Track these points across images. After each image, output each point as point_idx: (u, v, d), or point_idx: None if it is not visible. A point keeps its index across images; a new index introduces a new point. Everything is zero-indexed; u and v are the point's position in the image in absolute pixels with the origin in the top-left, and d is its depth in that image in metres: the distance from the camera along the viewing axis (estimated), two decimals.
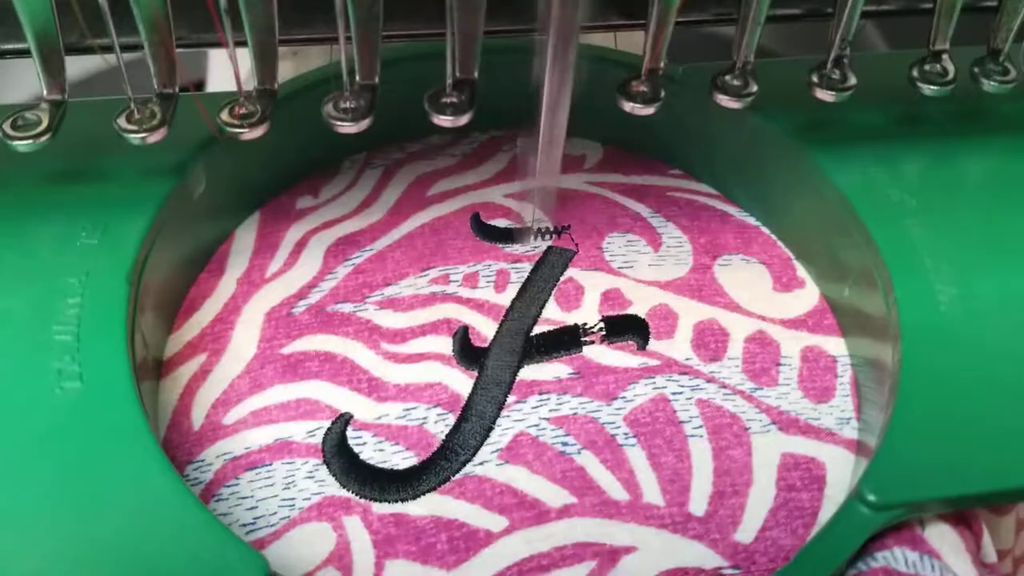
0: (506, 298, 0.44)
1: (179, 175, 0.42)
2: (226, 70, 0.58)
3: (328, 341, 0.42)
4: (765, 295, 0.45)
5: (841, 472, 0.39)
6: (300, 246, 0.46)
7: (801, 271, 0.46)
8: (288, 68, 0.52)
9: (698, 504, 0.38)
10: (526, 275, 0.45)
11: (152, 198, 0.41)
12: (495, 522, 0.37)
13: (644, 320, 0.44)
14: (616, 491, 0.38)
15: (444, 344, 0.43)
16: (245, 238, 0.46)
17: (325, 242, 0.46)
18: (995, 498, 0.36)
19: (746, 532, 0.37)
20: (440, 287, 0.45)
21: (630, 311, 0.44)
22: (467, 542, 0.37)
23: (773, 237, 0.47)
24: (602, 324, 0.44)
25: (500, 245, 0.47)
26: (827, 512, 0.38)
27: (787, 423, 0.40)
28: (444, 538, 0.37)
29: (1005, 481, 0.35)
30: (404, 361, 0.42)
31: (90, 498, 0.33)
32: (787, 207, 0.47)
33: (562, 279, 0.45)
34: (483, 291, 0.45)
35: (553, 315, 0.44)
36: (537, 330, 0.43)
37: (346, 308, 0.44)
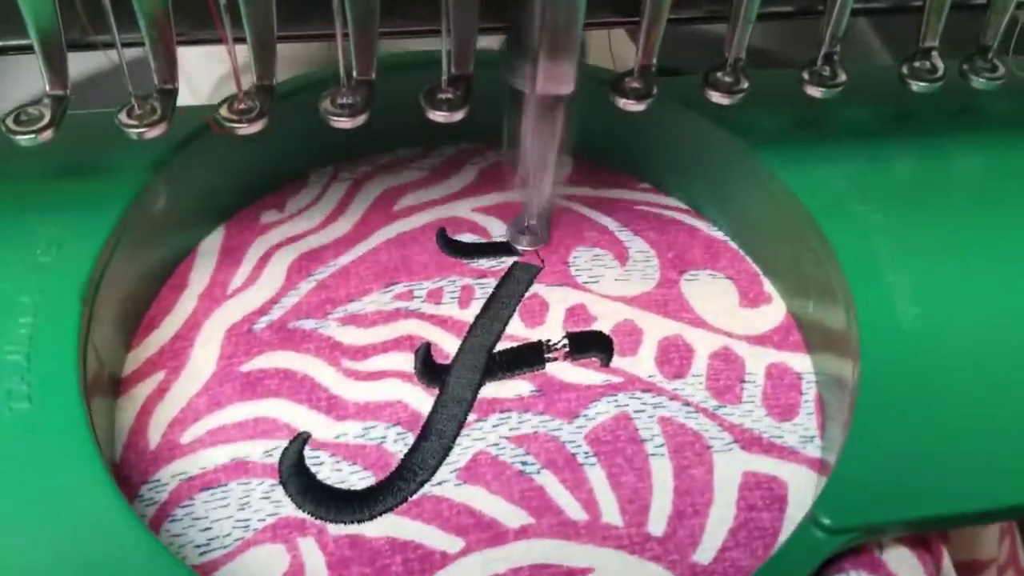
0: (470, 314, 0.44)
1: (137, 190, 0.41)
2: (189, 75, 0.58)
3: (289, 358, 0.42)
4: (731, 310, 0.45)
5: (803, 492, 0.39)
6: (263, 261, 0.46)
7: (768, 287, 0.46)
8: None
9: (657, 524, 0.37)
10: (491, 290, 0.45)
11: (109, 214, 0.41)
12: (451, 543, 0.37)
13: (608, 336, 0.43)
14: (575, 511, 0.38)
15: (406, 361, 0.42)
16: (208, 252, 0.46)
17: (289, 257, 0.46)
18: (953, 522, 0.35)
19: (705, 553, 0.37)
20: (404, 303, 0.44)
21: (595, 327, 0.44)
22: (422, 564, 0.36)
23: (741, 252, 0.47)
24: (566, 340, 0.43)
25: (465, 260, 0.46)
26: (788, 532, 0.37)
27: (750, 441, 0.40)
28: (399, 560, 0.36)
29: (964, 504, 0.34)
30: (365, 379, 0.42)
31: (35, 519, 0.33)
32: (755, 222, 0.46)
33: (527, 294, 0.45)
34: (447, 307, 0.44)
35: (517, 331, 0.44)
36: (500, 347, 0.43)
37: (308, 324, 0.43)
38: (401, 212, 0.48)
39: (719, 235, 0.48)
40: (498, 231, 0.47)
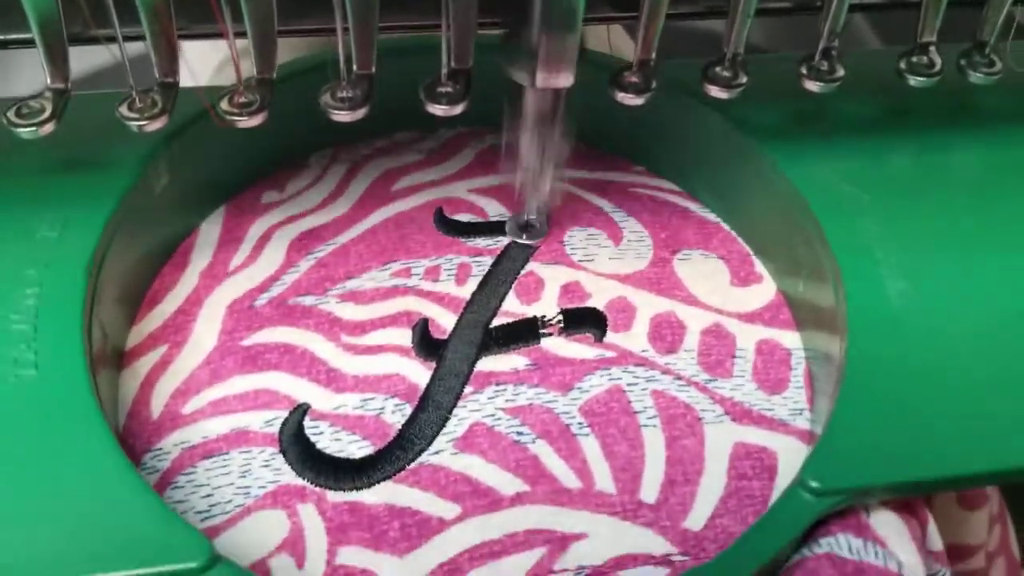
0: (467, 291, 0.45)
1: (140, 170, 0.42)
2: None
3: (289, 333, 0.43)
4: (723, 289, 0.46)
5: (792, 461, 0.39)
6: (264, 240, 0.46)
7: (759, 267, 0.47)
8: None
9: (649, 492, 0.38)
10: (487, 268, 0.46)
11: (112, 192, 0.41)
12: (448, 509, 0.38)
13: (602, 312, 0.44)
14: (569, 479, 0.39)
15: (404, 336, 0.43)
16: (210, 232, 0.47)
17: (289, 236, 0.47)
18: (937, 486, 0.36)
19: (696, 519, 0.38)
20: (402, 280, 0.45)
21: (589, 304, 0.45)
22: (420, 529, 0.37)
23: (733, 233, 0.48)
24: (560, 316, 0.44)
25: (462, 239, 0.47)
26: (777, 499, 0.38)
27: (740, 414, 0.41)
28: (397, 525, 0.37)
29: (946, 469, 0.35)
30: (363, 353, 0.42)
31: (41, 482, 0.34)
32: (747, 204, 0.47)
33: (523, 272, 0.46)
34: (444, 284, 0.45)
35: (513, 308, 0.44)
36: (496, 322, 0.44)
37: (307, 301, 0.44)
38: (399, 193, 0.49)
39: (711, 217, 0.49)
40: (494, 211, 0.48)
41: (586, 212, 0.48)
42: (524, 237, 0.47)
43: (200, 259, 0.46)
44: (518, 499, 0.38)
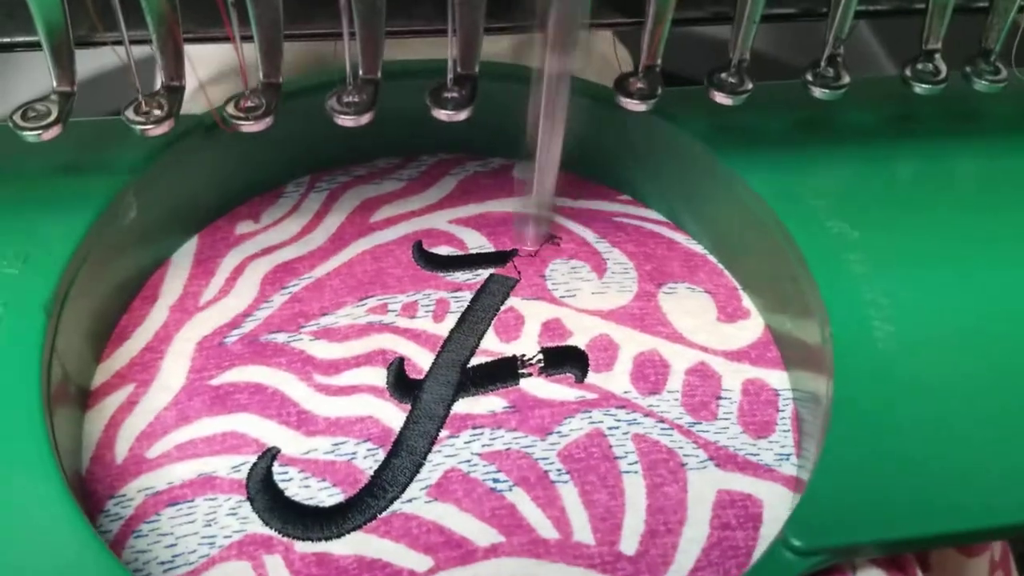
0: (445, 328, 0.44)
1: (106, 202, 0.41)
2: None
3: (259, 372, 0.42)
4: (709, 325, 0.44)
5: (778, 510, 0.38)
6: (237, 273, 0.45)
7: (747, 301, 0.45)
8: (231, 88, 0.51)
9: (629, 543, 0.37)
10: (466, 304, 0.44)
11: (77, 226, 0.40)
12: (420, 562, 0.36)
13: (583, 351, 0.43)
14: (546, 530, 0.37)
15: (378, 376, 0.42)
16: (181, 264, 0.46)
17: (262, 269, 0.45)
18: (926, 543, 0.35)
19: (677, 572, 0.36)
20: (377, 316, 0.44)
21: (570, 341, 0.43)
22: None
23: (720, 266, 0.47)
24: (541, 355, 0.43)
25: (441, 274, 0.46)
26: (762, 551, 0.37)
27: (725, 459, 0.39)
28: None
29: (937, 526, 0.34)
30: (336, 393, 0.41)
31: None
32: (734, 236, 0.46)
33: (503, 308, 0.44)
34: (421, 321, 0.44)
35: (492, 346, 0.43)
36: (474, 361, 0.42)
37: (280, 338, 0.43)
38: (377, 224, 0.48)
39: (698, 248, 0.47)
40: (474, 243, 0.47)
41: (569, 242, 0.47)
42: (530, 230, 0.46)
43: (170, 293, 0.44)
44: (492, 551, 0.37)
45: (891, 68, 0.83)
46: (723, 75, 0.42)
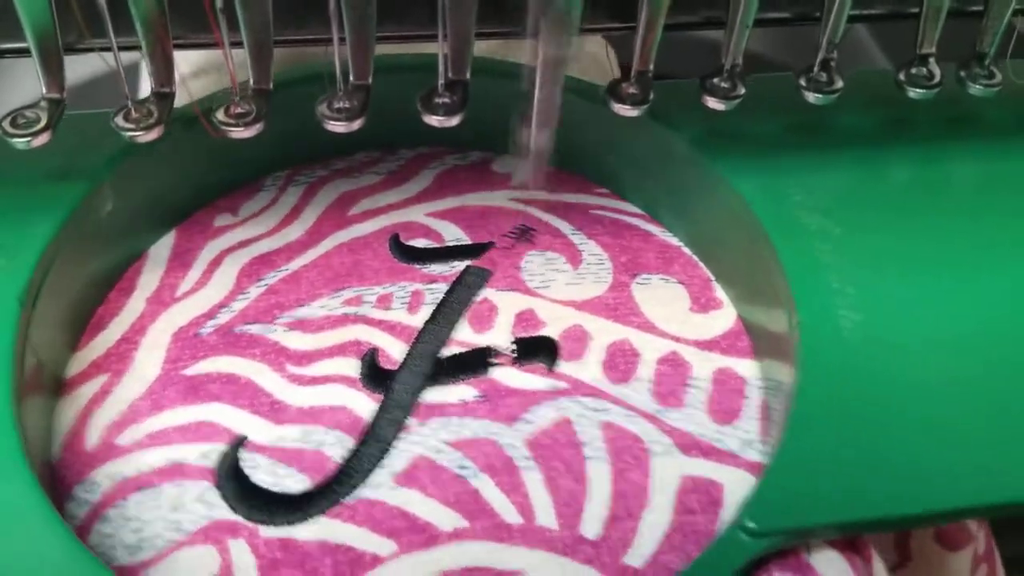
0: (419, 319, 0.44)
1: (83, 194, 0.41)
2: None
3: (233, 363, 0.42)
4: (682, 315, 0.45)
5: (740, 495, 0.38)
6: (214, 265, 0.46)
7: (720, 292, 0.45)
8: (212, 81, 0.51)
9: (591, 527, 0.37)
10: (441, 296, 0.45)
11: (53, 217, 0.41)
12: (383, 546, 0.37)
13: (555, 341, 0.43)
14: (509, 514, 0.38)
15: (351, 366, 0.42)
16: (159, 256, 0.46)
17: (239, 261, 0.46)
18: (881, 526, 0.35)
19: (638, 556, 0.37)
20: (353, 308, 0.44)
21: (544, 332, 0.44)
22: (352, 567, 0.36)
23: (695, 258, 0.47)
24: (513, 346, 0.43)
25: (418, 266, 0.46)
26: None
27: (689, 445, 0.40)
28: (329, 563, 0.36)
29: (891, 509, 0.34)
30: (308, 383, 0.42)
31: None
32: (709, 228, 0.46)
33: (477, 299, 0.45)
34: (396, 312, 0.44)
35: (465, 336, 0.43)
36: (447, 352, 0.43)
37: (254, 329, 0.43)
38: (355, 217, 0.48)
39: (673, 241, 0.48)
40: (451, 236, 0.47)
41: (545, 234, 0.48)
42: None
43: (147, 284, 0.45)
44: (456, 535, 0.37)
45: (887, 65, 0.83)
46: (716, 80, 0.42)
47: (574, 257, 0.47)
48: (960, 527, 0.45)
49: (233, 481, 0.38)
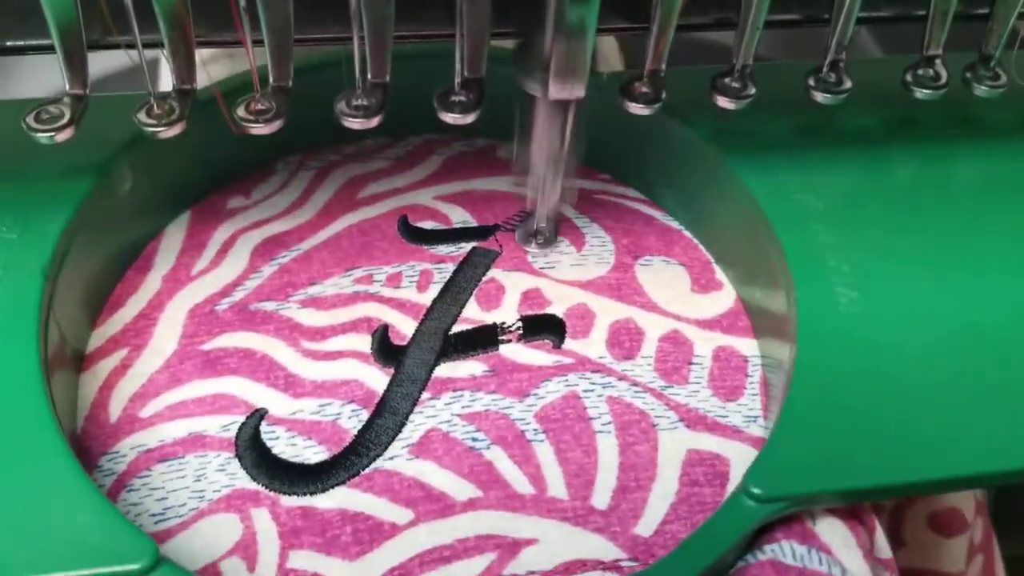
0: (428, 298, 0.45)
1: (101, 174, 0.43)
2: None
3: (249, 338, 0.43)
4: (683, 296, 0.46)
5: (744, 468, 0.40)
6: (228, 245, 0.47)
7: (720, 274, 0.47)
8: (224, 68, 0.52)
9: (601, 498, 0.39)
10: (449, 275, 0.46)
11: (73, 195, 0.42)
12: (401, 515, 0.38)
13: (561, 319, 0.44)
14: (522, 485, 0.39)
15: (363, 342, 0.43)
16: (174, 236, 0.47)
17: (252, 241, 0.47)
18: (880, 494, 0.36)
19: (646, 526, 0.38)
20: (363, 287, 0.45)
21: (549, 310, 0.45)
22: (371, 534, 0.37)
23: (695, 241, 0.48)
24: (520, 323, 0.44)
25: (425, 247, 0.47)
26: None
27: (694, 420, 0.41)
28: (349, 530, 0.37)
29: (890, 477, 0.36)
30: (322, 358, 0.43)
31: None
32: (709, 212, 0.48)
33: (485, 279, 0.46)
34: (405, 291, 0.45)
35: (473, 314, 0.45)
36: (456, 329, 0.44)
37: (269, 306, 0.44)
38: (364, 200, 0.49)
39: (675, 225, 0.49)
40: (458, 218, 0.49)
41: None
42: (534, 244, 0.47)
43: (163, 263, 0.46)
44: (470, 504, 0.38)
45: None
46: (727, 80, 0.43)
47: (578, 239, 0.48)
48: (954, 513, 0.47)
49: (253, 452, 0.40)
